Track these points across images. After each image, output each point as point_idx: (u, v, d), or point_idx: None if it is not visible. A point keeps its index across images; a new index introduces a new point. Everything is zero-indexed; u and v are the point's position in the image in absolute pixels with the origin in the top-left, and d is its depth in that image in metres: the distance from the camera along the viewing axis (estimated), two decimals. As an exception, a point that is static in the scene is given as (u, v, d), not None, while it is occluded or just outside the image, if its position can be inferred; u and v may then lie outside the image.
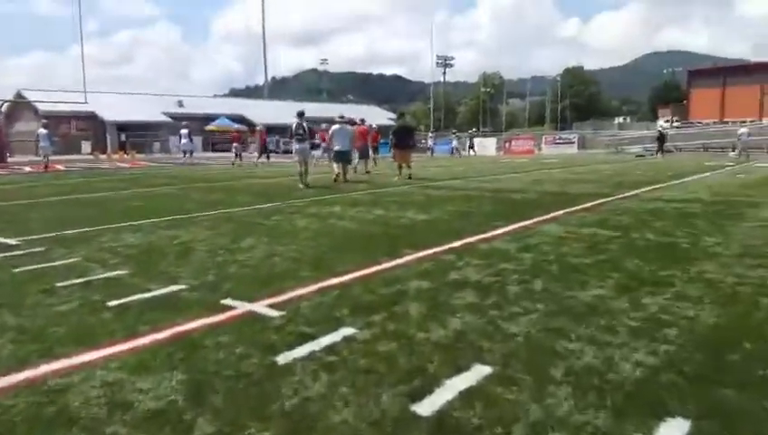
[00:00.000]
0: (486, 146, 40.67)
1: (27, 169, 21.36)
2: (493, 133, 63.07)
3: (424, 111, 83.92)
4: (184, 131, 24.43)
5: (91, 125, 41.66)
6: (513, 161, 25.19)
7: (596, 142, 40.82)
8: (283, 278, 4.20)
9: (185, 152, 24.34)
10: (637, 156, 30.53)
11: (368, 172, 16.60)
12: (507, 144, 39.67)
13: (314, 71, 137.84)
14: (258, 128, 25.93)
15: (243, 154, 24.54)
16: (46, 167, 19.96)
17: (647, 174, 15.28)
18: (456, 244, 5.46)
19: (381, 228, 6.49)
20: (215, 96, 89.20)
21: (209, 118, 46.95)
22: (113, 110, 42.24)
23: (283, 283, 4.07)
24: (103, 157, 34.07)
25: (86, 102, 29.34)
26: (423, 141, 37.54)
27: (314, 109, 61.40)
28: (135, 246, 5.48)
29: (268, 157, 26.03)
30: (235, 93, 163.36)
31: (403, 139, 14.70)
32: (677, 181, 12.77)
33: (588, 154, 33.89)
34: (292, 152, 14.00)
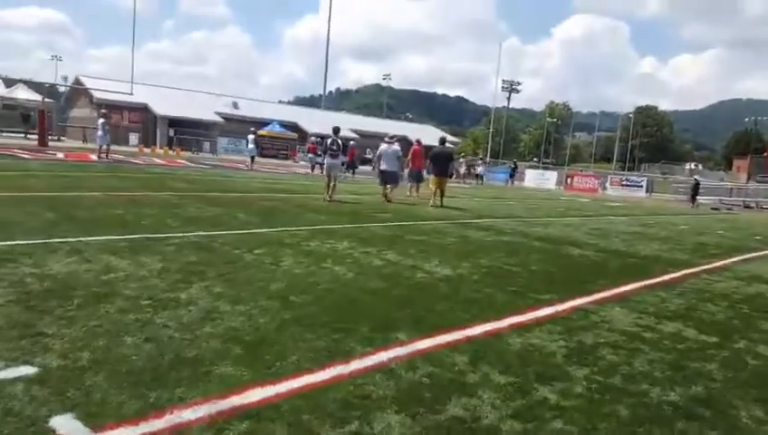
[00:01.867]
0: (548, 178, 38.33)
1: (60, 155, 20.94)
2: (555, 166, 60.32)
3: (485, 134, 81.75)
4: (251, 137, 26.04)
5: (143, 118, 41.98)
6: (574, 201, 22.98)
7: (665, 187, 37.75)
8: (177, 382, 2.63)
9: (251, 157, 25.70)
10: (711, 208, 27.60)
11: (417, 196, 15.21)
12: (569, 180, 37.20)
13: (377, 86, 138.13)
14: (351, 143, 26.32)
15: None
16: (105, 154, 20.31)
17: (730, 235, 12.98)
18: (476, 330, 3.77)
19: (384, 286, 4.85)
20: (279, 102, 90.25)
21: (263, 123, 46.67)
22: (167, 104, 42.49)
23: (175, 389, 2.51)
24: (147, 151, 33.94)
25: (132, 94, 29.16)
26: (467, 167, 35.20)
27: (371, 124, 60.73)
28: (45, 277, 4.07)
29: (353, 172, 25.86)
30: (299, 101, 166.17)
31: (441, 165, 14.21)
32: (774, 251, 10.52)
33: (657, 200, 31.09)
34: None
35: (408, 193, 15.53)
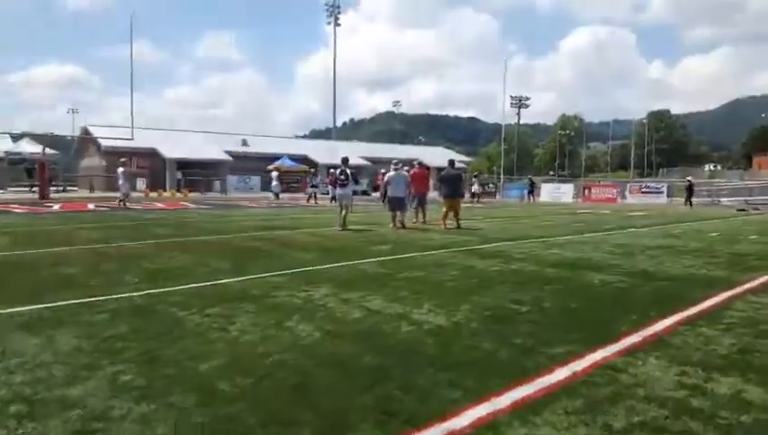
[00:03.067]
0: (564, 192, 37.07)
1: (56, 206, 20.44)
2: (571, 178, 58.96)
3: (499, 152, 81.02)
4: (274, 174, 28.31)
5: (152, 162, 41.87)
6: (593, 214, 21.76)
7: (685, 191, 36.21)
8: None
9: (276, 194, 27.60)
10: (738, 210, 26.11)
11: (424, 222, 14.55)
12: (586, 191, 35.92)
13: (390, 113, 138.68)
14: (383, 171, 26.82)
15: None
16: (123, 202, 21.21)
17: (765, 239, 11.73)
18: (463, 419, 2.75)
19: (354, 350, 3.85)
20: (296, 136, 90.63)
21: (274, 158, 46.33)
22: (175, 147, 42.40)
23: None
24: (153, 195, 33.56)
25: (132, 139, 28.87)
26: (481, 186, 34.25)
27: (382, 150, 60.24)
28: None
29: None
30: (315, 135, 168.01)
31: (452, 187, 14.16)
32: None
33: (679, 206, 29.64)
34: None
35: (415, 220, 14.63)
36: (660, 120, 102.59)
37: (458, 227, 13.38)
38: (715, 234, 13.18)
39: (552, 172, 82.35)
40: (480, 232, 12.90)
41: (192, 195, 33.71)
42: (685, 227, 15.45)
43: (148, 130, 48.61)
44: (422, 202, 15.05)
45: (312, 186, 29.00)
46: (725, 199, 31.20)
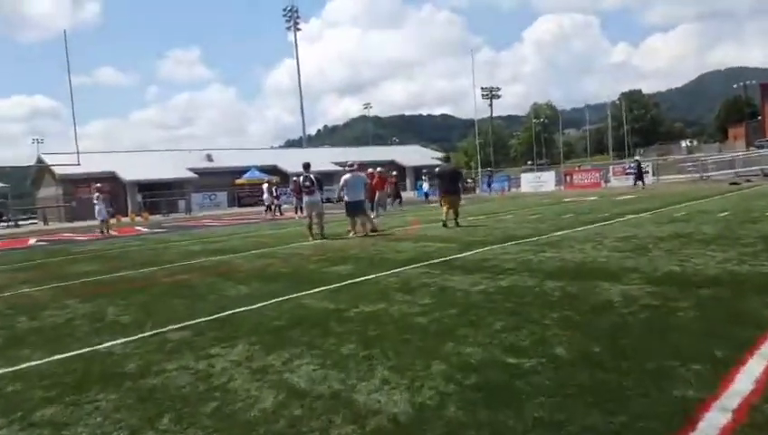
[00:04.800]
0: (545, 181, 35.61)
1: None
2: (550, 166, 57.69)
3: (475, 146, 79.80)
4: (265, 186, 26.55)
5: (113, 187, 39.54)
6: (581, 202, 20.18)
7: (671, 169, 35.09)
8: None
9: (268, 207, 25.94)
10: (731, 184, 24.84)
11: (374, 231, 12.59)
12: (568, 178, 34.50)
13: (364, 117, 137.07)
14: (394, 173, 28.30)
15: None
16: (102, 232, 19.85)
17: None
18: None
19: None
20: (272, 147, 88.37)
21: (242, 171, 44.22)
22: (135, 169, 40.11)
23: None
24: (112, 221, 31.27)
25: (79, 164, 26.75)
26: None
27: (356, 154, 58.46)
28: None
29: (400, 202, 25.82)
30: (290, 144, 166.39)
31: (450, 183, 13.41)
32: None
33: (668, 185, 28.33)
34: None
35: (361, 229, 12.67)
36: (633, 100, 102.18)
37: (457, 225, 12.76)
38: (724, 213, 11.64)
39: (530, 162, 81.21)
40: (459, 236, 11.19)
41: (153, 217, 31.54)
42: (686, 207, 13.92)
43: (110, 154, 46.37)
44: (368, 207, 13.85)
45: (275, 196, 27.41)
46: (715, 174, 29.97)
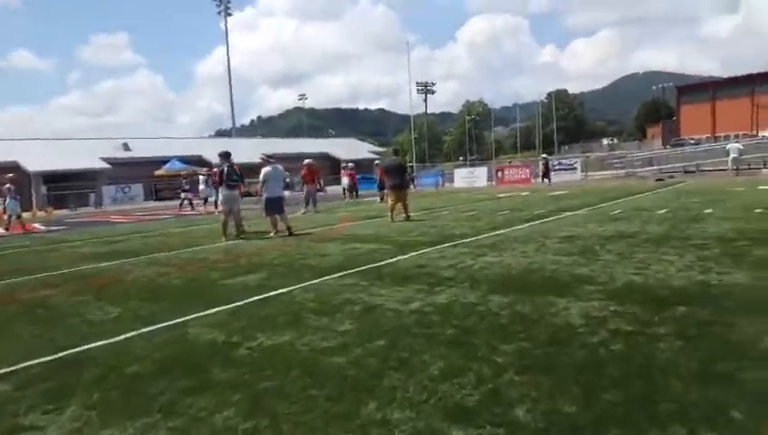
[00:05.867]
0: (478, 176, 35.39)
1: None
2: (482, 162, 58.11)
3: (410, 141, 79.68)
4: (202, 177, 24.17)
5: (18, 178, 35.90)
6: (515, 197, 19.70)
7: (597, 165, 35.74)
8: None
9: (205, 200, 23.41)
10: (656, 180, 25.28)
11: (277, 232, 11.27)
12: (500, 173, 34.41)
13: (299, 109, 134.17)
14: (351, 165, 26.58)
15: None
16: (7, 228, 18.01)
17: (730, 213, 9.75)
18: None
19: None
20: (201, 137, 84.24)
21: (162, 161, 41.31)
22: (42, 158, 36.60)
23: None
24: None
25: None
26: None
27: (291, 145, 56.65)
28: None
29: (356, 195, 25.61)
30: (220, 134, 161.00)
31: (397, 177, 13.12)
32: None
33: (597, 181, 28.63)
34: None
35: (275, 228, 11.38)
36: (560, 99, 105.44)
37: (408, 219, 12.51)
38: (663, 211, 11.23)
39: (462, 158, 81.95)
40: (392, 236, 10.16)
41: (59, 212, 28.66)
42: (622, 204, 13.56)
43: (14, 142, 42.21)
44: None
45: (183, 190, 25.57)
46: (640, 170, 30.65)
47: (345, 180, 26.23)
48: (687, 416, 2.39)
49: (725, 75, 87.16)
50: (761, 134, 46.93)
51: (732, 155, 24.18)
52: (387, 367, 3.26)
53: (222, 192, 11.16)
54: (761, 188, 15.84)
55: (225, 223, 11.03)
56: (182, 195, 25.64)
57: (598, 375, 2.94)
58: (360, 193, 26.36)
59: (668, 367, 2.97)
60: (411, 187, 31.14)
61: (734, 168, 23.88)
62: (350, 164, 27.32)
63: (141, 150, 43.31)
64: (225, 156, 11.13)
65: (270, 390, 3.05)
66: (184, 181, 26.93)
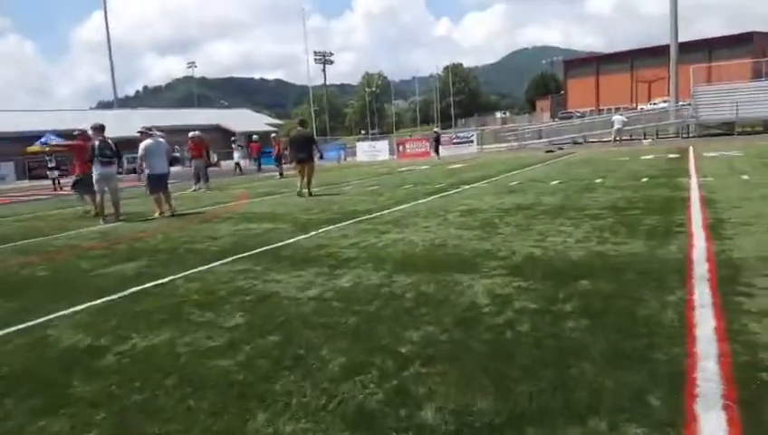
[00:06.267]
0: (380, 150, 35.34)
1: None
2: (383, 135, 58.23)
3: (311, 113, 78.16)
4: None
5: None
6: (416, 171, 19.78)
7: (491, 138, 36.97)
8: None
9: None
10: (546, 151, 26.53)
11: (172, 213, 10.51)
12: (401, 147, 34.57)
13: (188, 78, 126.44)
14: (255, 138, 26.60)
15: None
16: None
17: (620, 183, 10.28)
18: None
19: None
20: (81, 109, 76.88)
21: (35, 136, 37.22)
22: None
23: None
24: None
25: None
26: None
27: (179, 116, 53.27)
28: None
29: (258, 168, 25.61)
30: (103, 106, 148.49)
31: (302, 149, 12.79)
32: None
33: (492, 153, 29.58)
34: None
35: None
36: (455, 73, 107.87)
37: (310, 194, 12.25)
38: (556, 182, 11.64)
39: (363, 131, 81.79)
40: (293, 211, 9.68)
41: None
42: (517, 176, 13.95)
43: None
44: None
45: (50, 168, 23.46)
46: (531, 142, 32.05)
47: (236, 154, 25.47)
48: (604, 406, 2.24)
49: (609, 51, 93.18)
50: (640, 107, 50.78)
51: (616, 126, 25.91)
52: (280, 368, 2.88)
53: (95, 170, 9.96)
54: (643, 157, 17.02)
55: (101, 204, 10.01)
56: (48, 174, 23.36)
57: (508, 363, 2.75)
58: (262, 168, 25.71)
59: (579, 349, 2.85)
60: (317, 160, 30.65)
61: (617, 138, 25.61)
62: (255, 136, 27.16)
63: (10, 125, 38.80)
64: (99, 129, 10.06)
65: (140, 404, 2.58)
66: (48, 158, 24.41)
